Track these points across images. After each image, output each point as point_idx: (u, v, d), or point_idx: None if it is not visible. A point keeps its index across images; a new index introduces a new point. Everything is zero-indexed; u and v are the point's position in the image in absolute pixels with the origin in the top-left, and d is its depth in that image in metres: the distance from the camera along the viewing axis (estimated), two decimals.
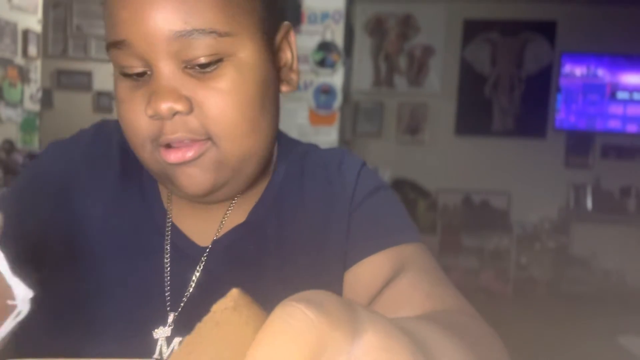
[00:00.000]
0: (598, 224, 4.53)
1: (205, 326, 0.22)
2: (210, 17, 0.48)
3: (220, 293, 0.23)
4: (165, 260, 0.58)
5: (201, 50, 0.49)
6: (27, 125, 3.32)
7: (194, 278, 0.57)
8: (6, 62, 3.18)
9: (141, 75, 0.51)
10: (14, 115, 3.25)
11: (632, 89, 4.68)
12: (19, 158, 2.92)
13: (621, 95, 4.70)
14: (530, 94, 4.78)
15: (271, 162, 0.63)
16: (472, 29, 4.79)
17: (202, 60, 0.49)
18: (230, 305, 0.22)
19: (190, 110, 0.50)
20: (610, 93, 4.71)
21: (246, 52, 0.51)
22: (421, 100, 4.89)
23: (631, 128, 4.70)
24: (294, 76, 0.59)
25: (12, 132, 3.18)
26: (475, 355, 0.36)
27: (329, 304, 0.21)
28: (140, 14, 0.48)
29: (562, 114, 4.75)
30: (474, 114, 4.82)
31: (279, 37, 0.57)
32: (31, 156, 2.87)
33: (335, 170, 0.64)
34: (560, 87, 4.74)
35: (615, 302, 4.00)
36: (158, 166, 0.53)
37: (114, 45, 0.50)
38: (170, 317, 0.56)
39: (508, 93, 4.80)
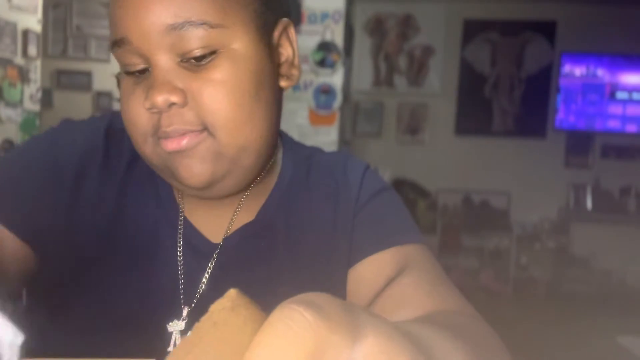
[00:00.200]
0: (598, 224, 4.53)
1: (203, 326, 0.22)
2: (201, 9, 0.50)
3: (233, 288, 0.23)
4: (178, 255, 0.59)
5: (194, 42, 0.50)
6: (27, 125, 3.31)
7: (206, 274, 0.59)
8: (6, 62, 3.18)
9: (142, 72, 0.53)
10: (14, 115, 3.25)
11: (631, 89, 4.68)
12: None
13: (620, 95, 4.70)
14: (530, 94, 4.77)
15: (275, 160, 0.65)
16: (472, 29, 4.78)
17: (196, 52, 0.51)
18: (228, 306, 0.22)
19: (185, 101, 0.51)
20: (609, 93, 4.71)
21: (239, 44, 0.52)
22: (421, 100, 4.88)
23: (630, 128, 4.70)
24: (295, 72, 0.60)
25: (12, 132, 3.18)
26: (477, 357, 0.36)
27: (329, 307, 0.21)
28: (136, 11, 0.50)
29: (562, 114, 4.75)
30: (474, 114, 4.82)
31: (277, 32, 0.57)
32: None
33: (340, 172, 0.66)
34: (559, 87, 4.74)
35: (615, 302, 3.99)
36: (160, 160, 0.54)
37: (115, 43, 0.52)
38: (185, 311, 0.57)
39: (508, 93, 4.80)
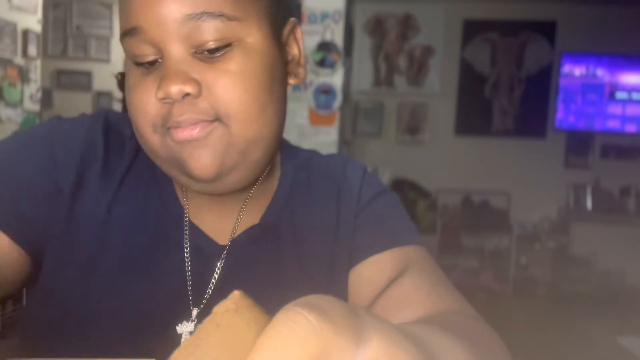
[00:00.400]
0: (598, 224, 4.53)
1: (206, 328, 0.22)
2: (219, 1, 0.50)
3: (242, 290, 0.23)
4: (185, 257, 0.58)
5: (210, 34, 0.50)
6: (27, 125, 3.31)
7: (215, 275, 0.58)
8: (6, 62, 3.18)
9: (152, 63, 0.52)
10: (14, 115, 3.25)
11: (630, 89, 4.68)
12: None
13: (620, 95, 4.70)
14: (530, 94, 4.77)
15: (275, 163, 0.65)
16: (472, 29, 4.78)
17: (211, 45, 0.50)
18: (232, 308, 0.22)
19: (200, 92, 0.51)
20: (609, 93, 4.71)
21: (254, 38, 0.52)
22: (421, 100, 4.88)
23: (630, 128, 4.70)
24: (301, 70, 0.60)
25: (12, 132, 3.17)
26: (478, 358, 0.36)
27: (333, 310, 0.21)
28: (152, 0, 0.49)
29: (561, 114, 4.75)
30: (473, 114, 4.82)
31: (285, 31, 0.58)
32: None
33: (340, 174, 0.66)
34: (559, 87, 4.74)
35: (615, 302, 4.00)
36: (167, 151, 0.53)
37: (127, 33, 0.51)
38: (194, 312, 0.57)
39: (508, 93, 4.80)
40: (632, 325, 3.21)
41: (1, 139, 0.61)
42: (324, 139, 3.00)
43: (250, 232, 0.61)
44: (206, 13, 0.49)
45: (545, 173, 4.70)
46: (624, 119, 4.70)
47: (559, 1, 4.54)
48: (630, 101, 4.69)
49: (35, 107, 3.43)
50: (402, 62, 4.88)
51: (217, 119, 0.51)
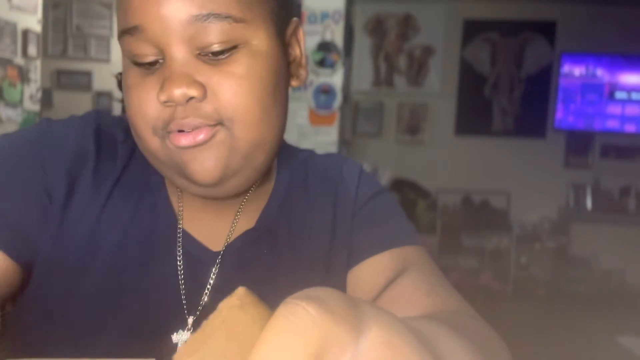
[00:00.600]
0: (598, 224, 4.53)
1: (211, 324, 0.22)
2: (226, 2, 0.48)
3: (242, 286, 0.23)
4: (179, 265, 0.57)
5: (216, 36, 0.48)
6: (27, 125, 3.31)
7: (210, 282, 0.57)
8: (6, 62, 3.18)
9: (152, 64, 0.50)
10: (14, 115, 3.25)
11: (630, 89, 4.68)
12: None
13: (619, 95, 4.70)
14: (530, 94, 4.78)
15: (272, 164, 0.63)
16: (472, 29, 4.78)
17: (216, 47, 0.49)
18: (237, 304, 0.22)
19: (204, 95, 0.49)
20: (608, 93, 4.71)
21: (259, 40, 0.51)
22: (421, 100, 4.88)
23: (629, 128, 4.70)
24: (302, 72, 0.59)
25: None
26: (481, 354, 0.36)
27: (332, 301, 0.21)
28: None
29: (561, 114, 4.75)
30: (473, 114, 4.82)
31: (288, 31, 0.57)
32: None
33: (337, 175, 0.65)
34: (559, 87, 4.74)
35: (615, 302, 4.00)
36: (167, 156, 0.51)
37: (127, 32, 0.50)
38: (190, 321, 0.55)
39: (508, 93, 4.80)
40: (632, 325, 3.21)
41: None
42: (324, 139, 3.00)
43: (245, 236, 0.59)
44: (213, 14, 0.48)
45: (545, 173, 4.70)
46: (624, 119, 4.70)
47: (559, 1, 4.55)
48: (629, 101, 4.69)
49: (35, 107, 3.43)
50: (402, 62, 4.88)
51: (220, 122, 0.50)
